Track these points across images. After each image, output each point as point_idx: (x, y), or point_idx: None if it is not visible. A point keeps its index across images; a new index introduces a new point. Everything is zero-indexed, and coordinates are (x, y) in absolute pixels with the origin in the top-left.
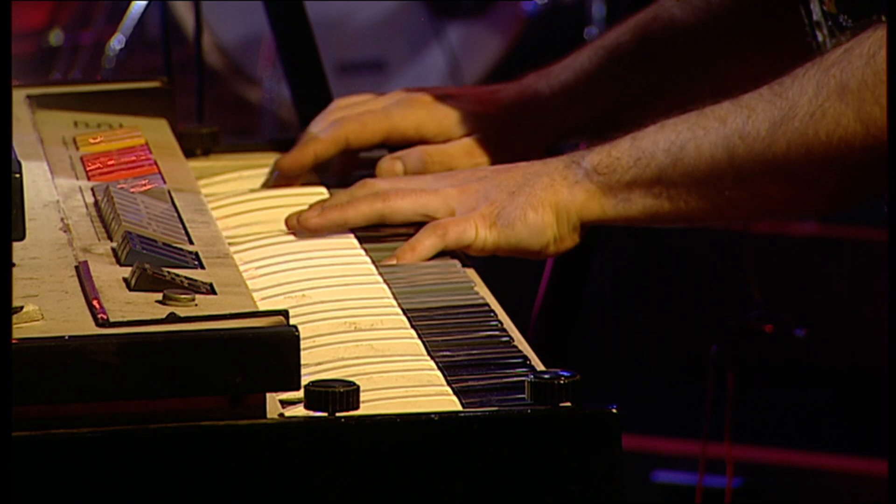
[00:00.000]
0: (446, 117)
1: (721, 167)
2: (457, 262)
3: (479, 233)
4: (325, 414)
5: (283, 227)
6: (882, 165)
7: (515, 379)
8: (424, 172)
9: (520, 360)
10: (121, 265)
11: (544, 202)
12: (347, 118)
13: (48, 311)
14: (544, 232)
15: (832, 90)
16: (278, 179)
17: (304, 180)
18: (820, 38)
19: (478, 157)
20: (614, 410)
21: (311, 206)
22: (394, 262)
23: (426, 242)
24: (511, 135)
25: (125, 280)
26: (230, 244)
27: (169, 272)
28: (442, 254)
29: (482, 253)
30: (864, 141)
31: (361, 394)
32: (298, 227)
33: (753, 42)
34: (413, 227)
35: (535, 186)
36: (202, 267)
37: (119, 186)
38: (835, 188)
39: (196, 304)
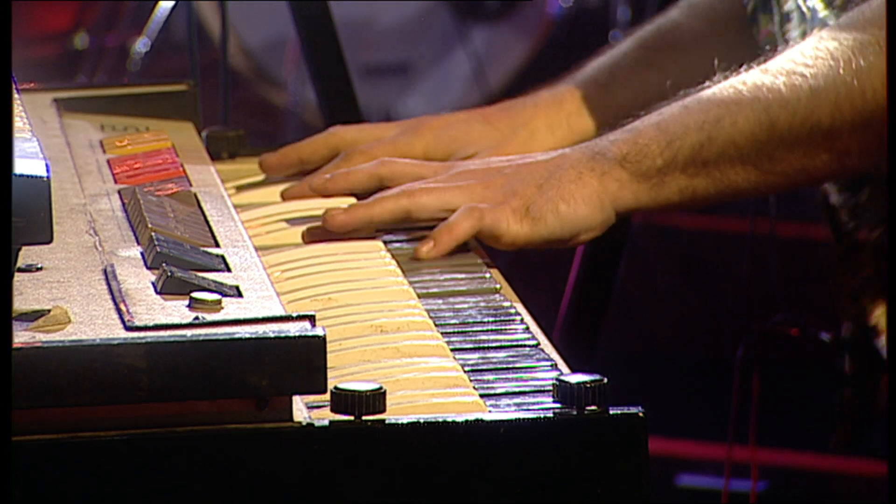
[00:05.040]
0: (453, 141)
1: (762, 139)
2: (483, 265)
3: (510, 227)
4: (351, 417)
5: (310, 230)
6: None
7: (541, 382)
8: None
9: (546, 364)
10: (148, 268)
11: (575, 195)
12: (355, 152)
13: (75, 314)
14: (576, 223)
15: (875, 48)
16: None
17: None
18: (794, 32)
19: None
20: (641, 414)
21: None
22: (431, 244)
23: (464, 224)
24: (525, 145)
25: (152, 283)
26: (256, 247)
27: (196, 275)
28: (469, 254)
29: (512, 247)
30: None
31: (387, 397)
32: (324, 224)
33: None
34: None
35: (562, 179)
36: (229, 270)
37: (146, 190)
38: (874, 147)
39: (223, 308)
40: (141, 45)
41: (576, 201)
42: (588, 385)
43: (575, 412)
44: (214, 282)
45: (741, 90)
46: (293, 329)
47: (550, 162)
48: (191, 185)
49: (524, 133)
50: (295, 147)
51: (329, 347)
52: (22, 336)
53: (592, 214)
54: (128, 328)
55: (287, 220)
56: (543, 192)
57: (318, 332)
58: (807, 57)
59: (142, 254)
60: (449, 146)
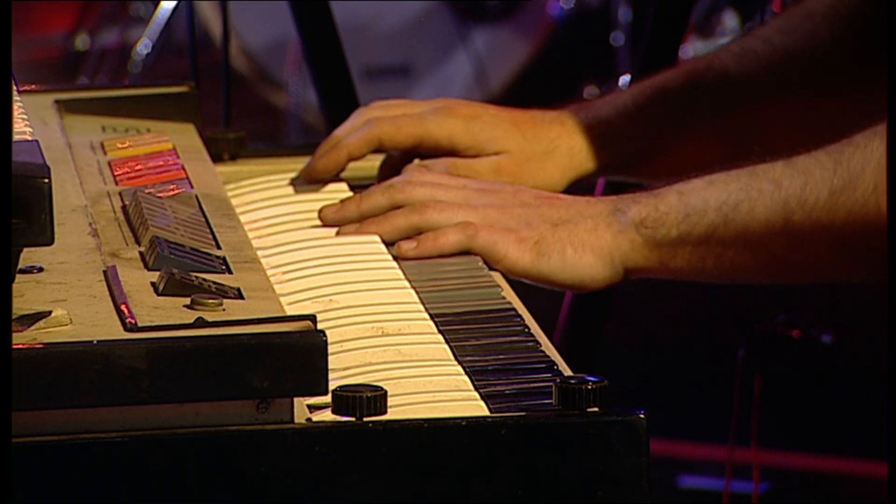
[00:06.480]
0: (480, 132)
1: (775, 231)
2: (483, 266)
3: (510, 253)
4: (352, 419)
5: (311, 232)
6: None
7: (543, 384)
8: None
9: (547, 365)
10: (149, 270)
11: (585, 243)
12: (382, 119)
13: (76, 315)
14: (579, 270)
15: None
16: (307, 181)
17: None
18: None
19: (504, 178)
20: (642, 416)
21: (345, 203)
22: (414, 245)
23: (451, 238)
24: (541, 161)
25: (153, 285)
26: (257, 249)
27: (197, 277)
28: (471, 257)
29: (509, 274)
30: None
31: (389, 399)
32: (336, 233)
33: (809, 98)
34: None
35: (578, 226)
36: (230, 272)
37: (147, 191)
38: (878, 263)
39: (224, 309)
40: (142, 46)
41: (584, 249)
42: (590, 387)
43: (576, 414)
44: (215, 283)
45: (765, 178)
46: (294, 330)
47: (573, 207)
48: (192, 186)
49: (544, 149)
50: (339, 143)
51: (330, 349)
52: (23, 337)
53: (598, 266)
54: (128, 329)
55: (288, 222)
56: (556, 232)
57: (320, 333)
58: (833, 159)
59: (142, 255)
60: (475, 138)
